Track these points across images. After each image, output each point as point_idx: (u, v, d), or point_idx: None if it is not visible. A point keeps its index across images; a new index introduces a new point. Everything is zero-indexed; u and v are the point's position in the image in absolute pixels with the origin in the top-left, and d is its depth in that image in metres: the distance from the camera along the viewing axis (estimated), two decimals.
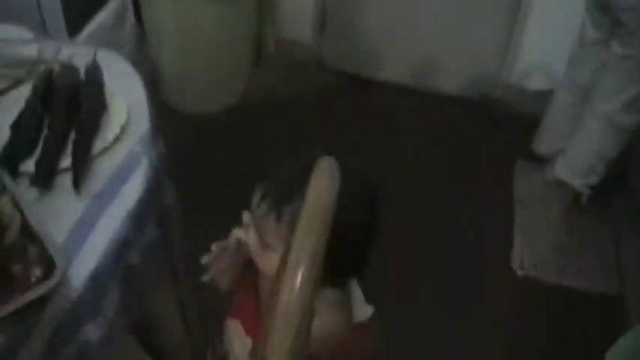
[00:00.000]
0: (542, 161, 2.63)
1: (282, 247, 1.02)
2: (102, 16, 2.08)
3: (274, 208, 1.03)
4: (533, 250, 2.40)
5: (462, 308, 2.17)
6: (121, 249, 1.13)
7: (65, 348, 1.05)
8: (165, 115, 2.60)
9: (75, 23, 1.91)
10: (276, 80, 2.90)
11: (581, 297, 2.29)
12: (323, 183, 0.64)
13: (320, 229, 0.56)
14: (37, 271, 0.99)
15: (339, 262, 0.91)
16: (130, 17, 2.31)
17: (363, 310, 1.15)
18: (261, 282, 1.19)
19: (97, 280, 1.07)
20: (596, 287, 2.31)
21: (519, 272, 2.33)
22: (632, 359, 1.26)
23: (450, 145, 2.72)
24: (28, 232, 1.05)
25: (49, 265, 1.00)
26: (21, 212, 1.06)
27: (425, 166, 2.61)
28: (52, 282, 0.98)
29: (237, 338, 1.23)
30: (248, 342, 1.18)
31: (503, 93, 2.85)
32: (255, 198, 1.07)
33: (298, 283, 0.52)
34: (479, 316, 2.15)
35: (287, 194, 1.01)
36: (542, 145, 2.60)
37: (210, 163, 2.45)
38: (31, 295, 0.96)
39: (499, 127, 2.79)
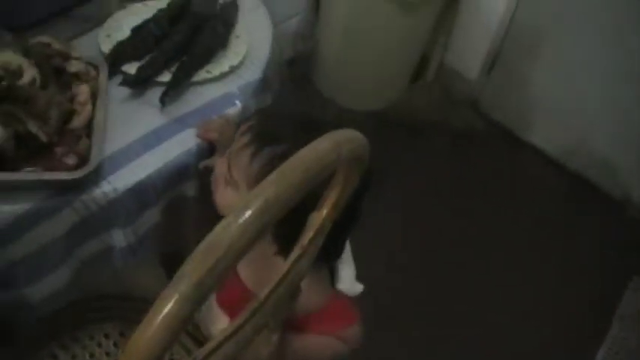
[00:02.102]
0: None
1: (245, 189, 0.96)
2: None
3: (255, 143, 0.95)
4: None
5: None
6: (179, 175, 1.13)
7: (88, 240, 1.08)
8: (314, 100, 2.67)
9: None
10: (427, 104, 2.85)
11: None
12: (325, 143, 0.59)
13: (291, 181, 0.52)
14: (71, 160, 1.03)
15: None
16: None
17: (352, 287, 1.09)
18: None
19: (142, 192, 1.08)
20: None
21: None
22: None
23: (573, 232, 2.55)
24: (90, 126, 1.08)
25: (85, 162, 1.03)
26: (94, 105, 1.10)
27: (535, 245, 2.46)
28: (73, 174, 1.01)
29: None
30: None
31: None
32: (244, 126, 1.00)
33: (239, 221, 0.48)
34: None
35: (274, 135, 0.94)
36: None
37: None
38: (50, 176, 1.00)
39: (629, 231, 2.58)
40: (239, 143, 0.98)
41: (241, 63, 1.30)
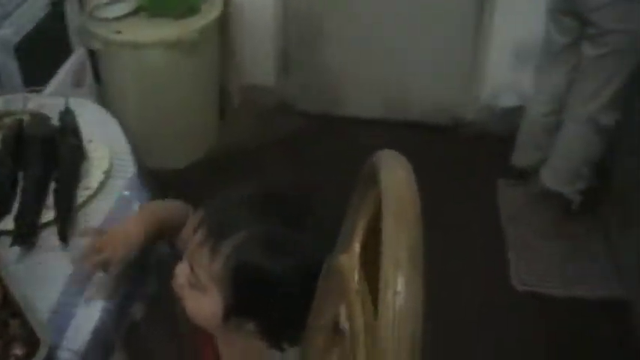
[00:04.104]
0: (523, 176, 2.58)
1: (215, 290, 0.87)
2: (60, 77, 1.98)
3: (210, 239, 0.86)
4: (531, 264, 2.33)
5: (463, 331, 2.06)
6: (123, 303, 1.01)
7: None
8: None
9: (32, 84, 1.80)
10: (244, 129, 2.82)
11: (587, 305, 2.21)
12: (401, 172, 0.53)
13: (412, 222, 0.46)
14: (17, 350, 0.89)
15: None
16: (89, 77, 2.22)
17: None
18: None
19: (101, 338, 0.96)
20: (597, 293, 2.24)
21: (520, 288, 2.25)
22: None
23: (425, 174, 2.63)
24: (9, 305, 0.93)
25: (31, 341, 0.89)
26: (1, 281, 0.95)
27: None
28: None
29: None
30: None
31: (474, 115, 2.82)
32: (193, 222, 0.90)
33: (404, 285, 0.42)
34: (483, 337, 2.04)
35: (230, 226, 0.86)
36: (521, 159, 2.55)
37: None
38: None
39: (474, 149, 2.74)
40: (194, 242, 0.88)
41: (111, 164, 1.19)
